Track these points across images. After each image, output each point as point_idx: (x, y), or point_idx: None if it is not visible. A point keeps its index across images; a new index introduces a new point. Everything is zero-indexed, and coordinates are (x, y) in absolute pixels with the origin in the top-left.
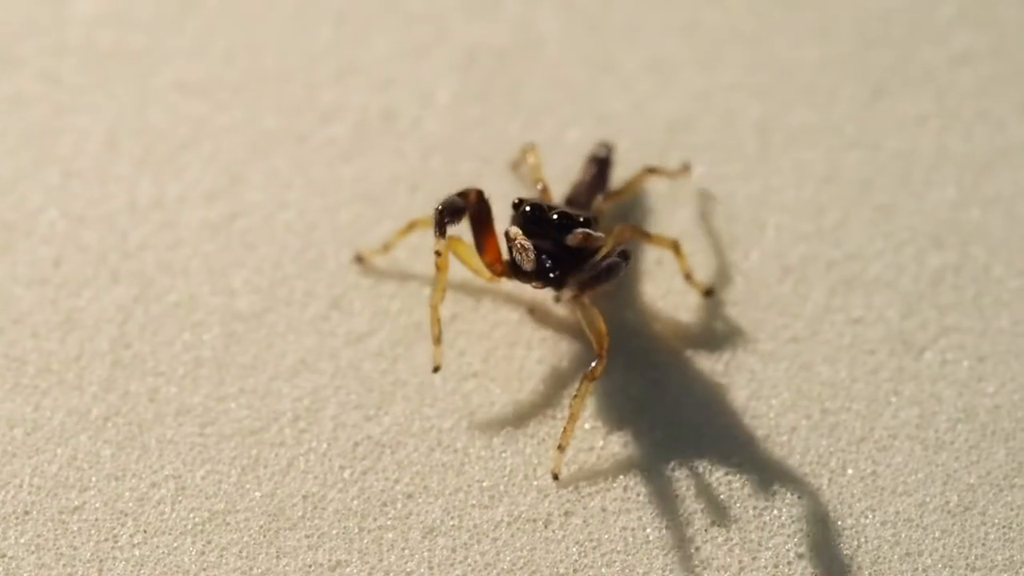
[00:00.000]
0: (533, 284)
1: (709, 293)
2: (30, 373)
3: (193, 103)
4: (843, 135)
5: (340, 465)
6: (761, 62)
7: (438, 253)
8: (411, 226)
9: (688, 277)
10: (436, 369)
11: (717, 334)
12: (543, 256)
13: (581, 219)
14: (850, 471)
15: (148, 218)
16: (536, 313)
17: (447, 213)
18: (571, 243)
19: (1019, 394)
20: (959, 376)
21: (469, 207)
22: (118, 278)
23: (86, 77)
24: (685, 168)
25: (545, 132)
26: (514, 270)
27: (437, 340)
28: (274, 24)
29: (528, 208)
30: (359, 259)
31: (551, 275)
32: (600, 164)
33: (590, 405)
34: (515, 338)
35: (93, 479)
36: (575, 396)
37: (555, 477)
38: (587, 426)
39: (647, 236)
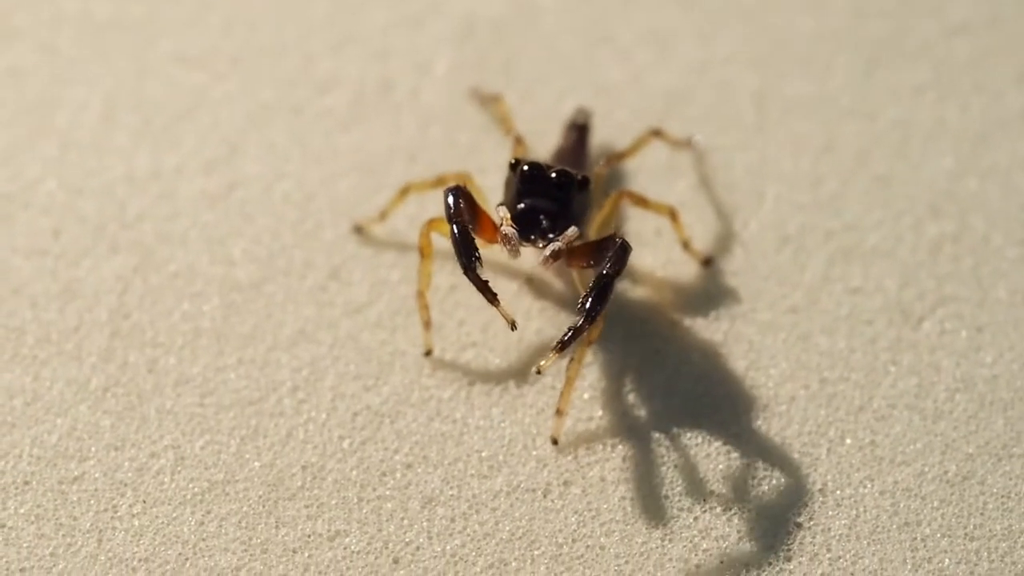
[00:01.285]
0: (534, 245)
1: (708, 262)
2: (29, 343)
3: (191, 74)
4: (840, 106)
5: (339, 435)
6: (758, 33)
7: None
8: (405, 190)
9: (686, 246)
10: (428, 353)
11: (716, 304)
12: (540, 216)
13: (580, 177)
14: (848, 441)
15: (146, 189)
16: (534, 283)
17: (456, 196)
18: (544, 266)
19: (1017, 364)
20: (957, 346)
21: (464, 210)
22: (117, 248)
23: (84, 48)
24: (687, 141)
25: (542, 103)
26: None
27: (427, 325)
28: None
29: (526, 167)
30: (358, 229)
31: (550, 235)
32: (579, 130)
33: (589, 375)
34: (514, 308)
35: (92, 449)
36: (571, 360)
37: (554, 442)
38: (586, 396)
39: (645, 202)
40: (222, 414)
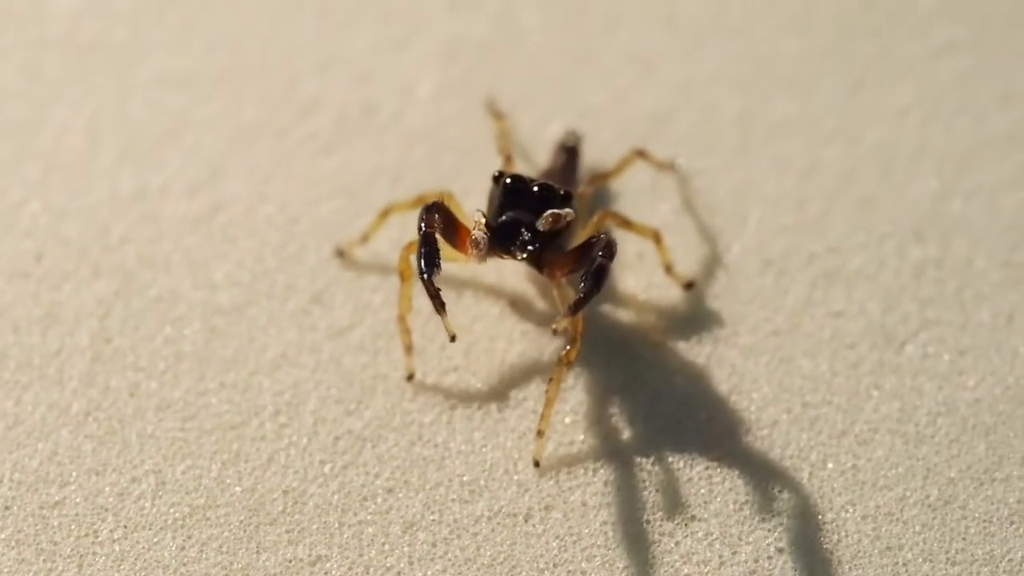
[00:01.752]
0: (516, 258)
1: (690, 286)
2: (11, 368)
3: (174, 96)
4: (824, 127)
5: (321, 460)
6: (741, 54)
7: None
8: (386, 212)
9: (669, 269)
10: (410, 377)
11: (698, 328)
12: (522, 228)
13: (562, 192)
14: (831, 465)
15: (129, 211)
16: (518, 306)
17: (432, 209)
18: (542, 227)
19: (1000, 388)
20: (940, 370)
21: (437, 221)
22: (99, 272)
23: (67, 70)
24: (671, 164)
25: (526, 125)
26: (494, 248)
27: (408, 349)
28: (255, 16)
29: (508, 180)
30: (340, 253)
31: (530, 248)
32: (569, 152)
33: (571, 398)
34: (496, 332)
35: (74, 474)
36: (550, 380)
37: (536, 465)
38: (567, 420)
39: (628, 224)
40: (203, 438)
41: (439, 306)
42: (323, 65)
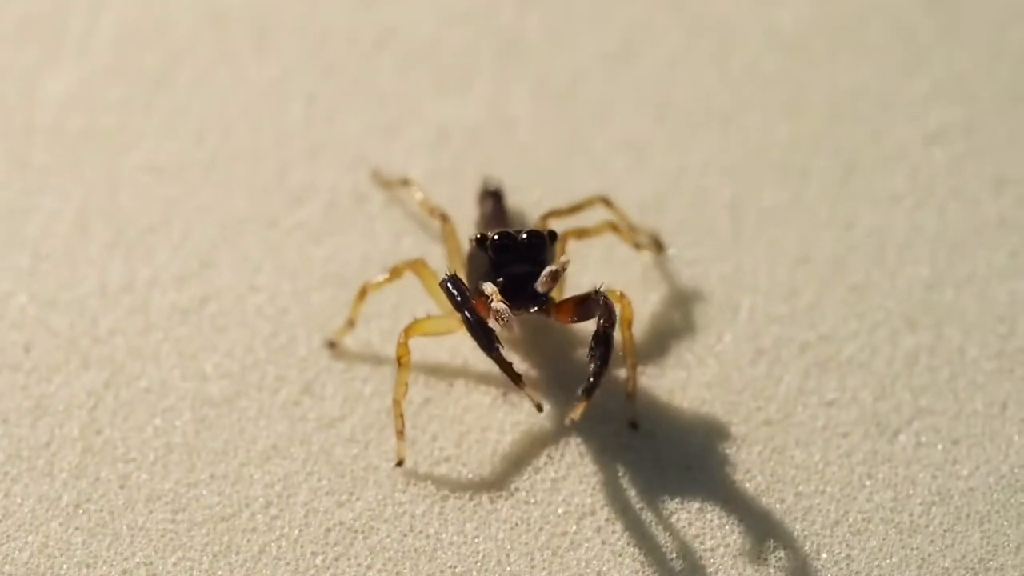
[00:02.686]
0: (525, 311)
1: (660, 248)
2: (0, 460)
3: (163, 185)
4: (816, 214)
5: (312, 551)
6: (732, 141)
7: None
8: (363, 292)
9: (635, 243)
10: (400, 463)
11: (689, 417)
12: (525, 282)
13: (547, 233)
14: (824, 555)
15: (118, 302)
16: (508, 398)
17: (456, 283)
18: (542, 288)
19: (993, 476)
20: (933, 459)
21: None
22: (88, 363)
23: (55, 159)
24: (640, 236)
25: (516, 212)
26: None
27: (400, 434)
28: (244, 104)
29: (496, 237)
30: (330, 344)
31: (537, 299)
32: (494, 196)
33: (563, 489)
34: (488, 422)
35: (64, 567)
36: (624, 351)
37: (633, 426)
38: (560, 511)
39: (586, 231)
40: (194, 530)
41: (516, 379)
42: (313, 152)
